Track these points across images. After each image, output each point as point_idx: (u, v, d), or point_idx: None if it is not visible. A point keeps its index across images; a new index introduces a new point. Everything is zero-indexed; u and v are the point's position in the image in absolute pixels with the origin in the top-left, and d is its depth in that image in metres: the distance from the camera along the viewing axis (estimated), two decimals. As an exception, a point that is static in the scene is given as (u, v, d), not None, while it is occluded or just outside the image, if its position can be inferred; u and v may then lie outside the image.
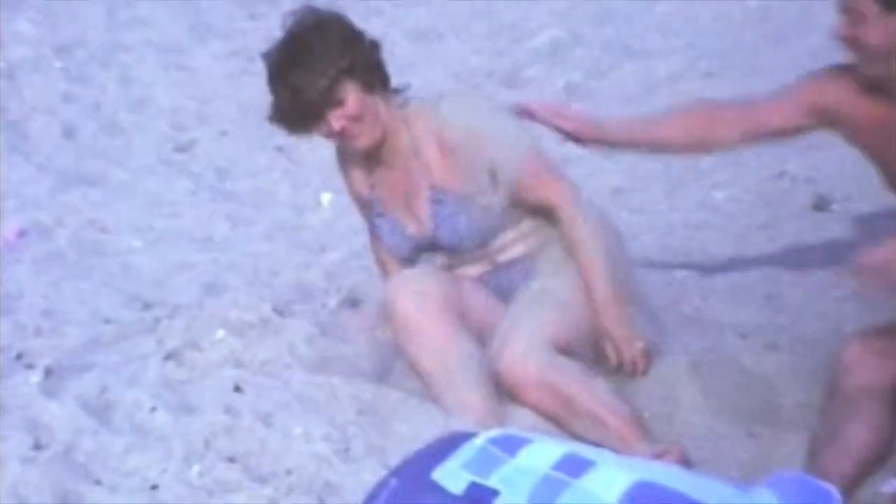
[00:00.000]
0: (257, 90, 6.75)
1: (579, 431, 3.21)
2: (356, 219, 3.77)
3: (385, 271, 3.63)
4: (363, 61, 3.32)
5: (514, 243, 3.45)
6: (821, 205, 4.76)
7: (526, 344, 3.25)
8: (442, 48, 7.22)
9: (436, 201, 3.38)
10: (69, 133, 6.15)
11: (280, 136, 6.13)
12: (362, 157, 3.44)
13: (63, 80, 6.71)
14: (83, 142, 6.09)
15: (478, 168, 3.34)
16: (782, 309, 3.90)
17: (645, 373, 3.39)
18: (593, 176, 4.77)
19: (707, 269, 4.35)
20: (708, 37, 6.99)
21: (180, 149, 6.12)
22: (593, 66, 6.78)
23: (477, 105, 3.44)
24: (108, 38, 7.32)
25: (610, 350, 3.38)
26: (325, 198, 5.41)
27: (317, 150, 5.80)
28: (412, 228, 3.44)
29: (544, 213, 3.42)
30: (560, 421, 3.22)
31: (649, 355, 3.40)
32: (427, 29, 7.42)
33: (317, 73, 3.26)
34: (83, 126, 6.23)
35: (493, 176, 3.35)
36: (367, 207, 3.54)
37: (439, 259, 3.45)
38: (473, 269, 3.46)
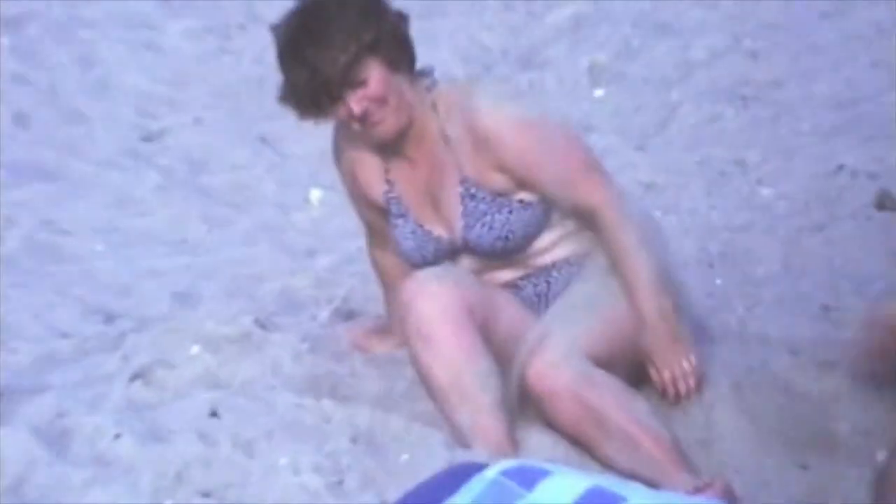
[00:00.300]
0: (236, 72, 6.82)
1: (611, 455, 3.22)
2: (350, 218, 3.78)
3: (389, 282, 3.62)
4: (388, 35, 3.31)
5: (556, 245, 3.46)
6: (884, 202, 4.76)
7: (560, 351, 3.26)
8: (448, 25, 7.22)
9: (469, 197, 3.39)
10: (20, 120, 6.16)
11: (263, 124, 6.21)
12: (378, 148, 3.44)
13: (12, 60, 6.72)
14: (37, 130, 6.10)
15: (513, 161, 3.35)
16: (840, 322, 3.90)
17: (688, 397, 3.39)
18: (622, 170, 4.77)
19: (753, 276, 4.35)
20: (753, 9, 6.99)
21: (148, 138, 6.13)
22: (622, 45, 6.79)
23: (514, 92, 3.45)
24: (64, 11, 7.33)
25: (653, 371, 3.39)
26: (315, 195, 5.42)
27: (305, 140, 5.82)
28: (439, 230, 3.44)
29: (584, 217, 3.43)
30: (589, 441, 3.24)
31: (696, 379, 3.40)
32: (431, 2, 7.42)
33: (336, 47, 3.24)
34: (36, 112, 6.24)
35: (529, 170, 3.36)
36: (376, 208, 3.52)
37: (467, 262, 3.45)
38: (506, 274, 3.47)
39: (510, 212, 3.39)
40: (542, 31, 7.05)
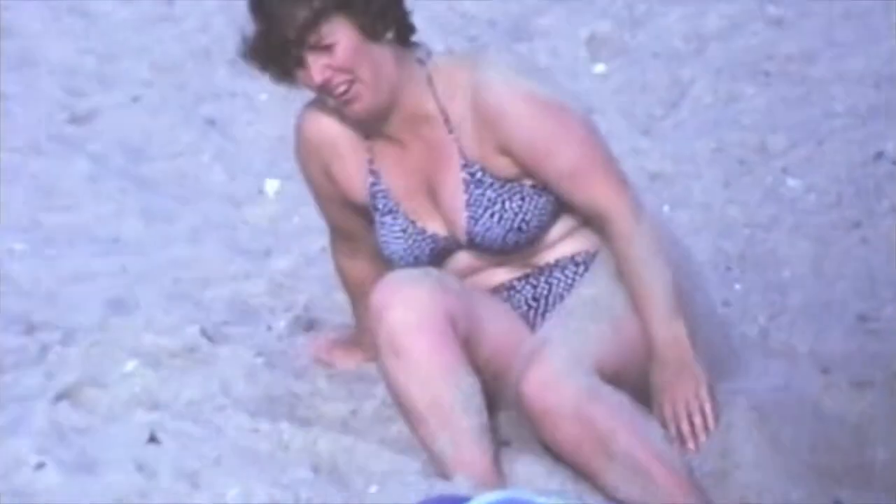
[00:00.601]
0: (179, 43, 6.80)
1: (615, 483, 3.23)
2: (313, 213, 3.78)
3: (361, 292, 3.61)
4: None
5: (562, 240, 3.48)
6: (930, 195, 4.78)
7: (562, 362, 3.27)
8: (426, -11, 7.22)
9: (474, 183, 3.40)
10: (-72, 100, 6.15)
11: (210, 104, 6.19)
12: (361, 131, 3.44)
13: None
14: (-53, 111, 6.08)
15: (520, 144, 3.36)
16: (878, 334, 3.91)
17: (697, 442, 3.39)
18: (626, 157, 4.76)
19: (777, 281, 4.36)
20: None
21: (77, 120, 6.11)
22: (627, 13, 6.80)
23: (527, 65, 3.45)
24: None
25: (664, 407, 3.39)
26: (271, 186, 5.42)
27: (260, 122, 5.80)
28: (435, 226, 3.45)
29: (591, 220, 3.44)
30: (592, 467, 3.25)
31: (714, 419, 3.40)
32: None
33: (298, 0, 3.27)
34: (-54, 90, 6.23)
35: (536, 157, 3.37)
36: (355, 207, 3.52)
37: (461, 260, 3.46)
38: (501, 274, 3.48)
39: (522, 199, 3.40)
40: (534, -3, 7.05)
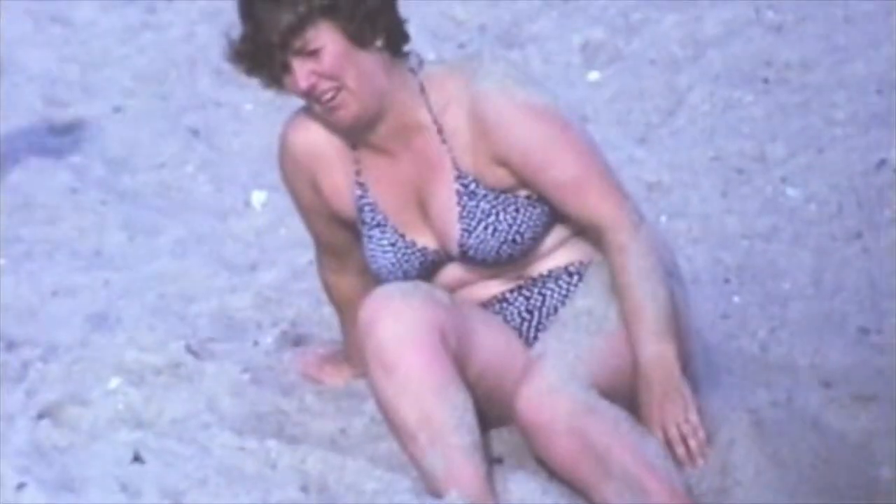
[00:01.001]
0: (162, 52, 6.80)
1: (610, 499, 3.24)
2: (300, 226, 3.78)
3: (348, 308, 3.62)
4: (352, 2, 3.31)
5: (555, 250, 3.49)
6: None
7: (557, 376, 3.28)
8: (416, -6, 7.23)
9: (468, 195, 3.41)
10: None
11: (194, 114, 6.19)
12: (348, 141, 3.46)
13: None
14: (-77, 122, 6.08)
15: (516, 154, 3.37)
16: (880, 347, 3.92)
17: (692, 462, 3.39)
18: (622, 167, 4.78)
19: (777, 293, 4.36)
20: (777, -24, 7.01)
21: (58, 131, 6.11)
22: (621, 19, 6.80)
23: (523, 75, 3.47)
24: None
25: (654, 431, 3.39)
26: (257, 198, 5.42)
27: (245, 133, 5.80)
28: (425, 239, 3.46)
29: (588, 232, 3.45)
30: (587, 483, 3.26)
31: (707, 439, 3.40)
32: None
33: (284, 3, 3.28)
34: (-77, 101, 6.23)
35: (532, 168, 3.38)
36: (341, 221, 3.53)
37: (452, 273, 3.47)
38: (494, 287, 3.49)
39: (517, 210, 3.41)
40: (526, 2, 7.06)
